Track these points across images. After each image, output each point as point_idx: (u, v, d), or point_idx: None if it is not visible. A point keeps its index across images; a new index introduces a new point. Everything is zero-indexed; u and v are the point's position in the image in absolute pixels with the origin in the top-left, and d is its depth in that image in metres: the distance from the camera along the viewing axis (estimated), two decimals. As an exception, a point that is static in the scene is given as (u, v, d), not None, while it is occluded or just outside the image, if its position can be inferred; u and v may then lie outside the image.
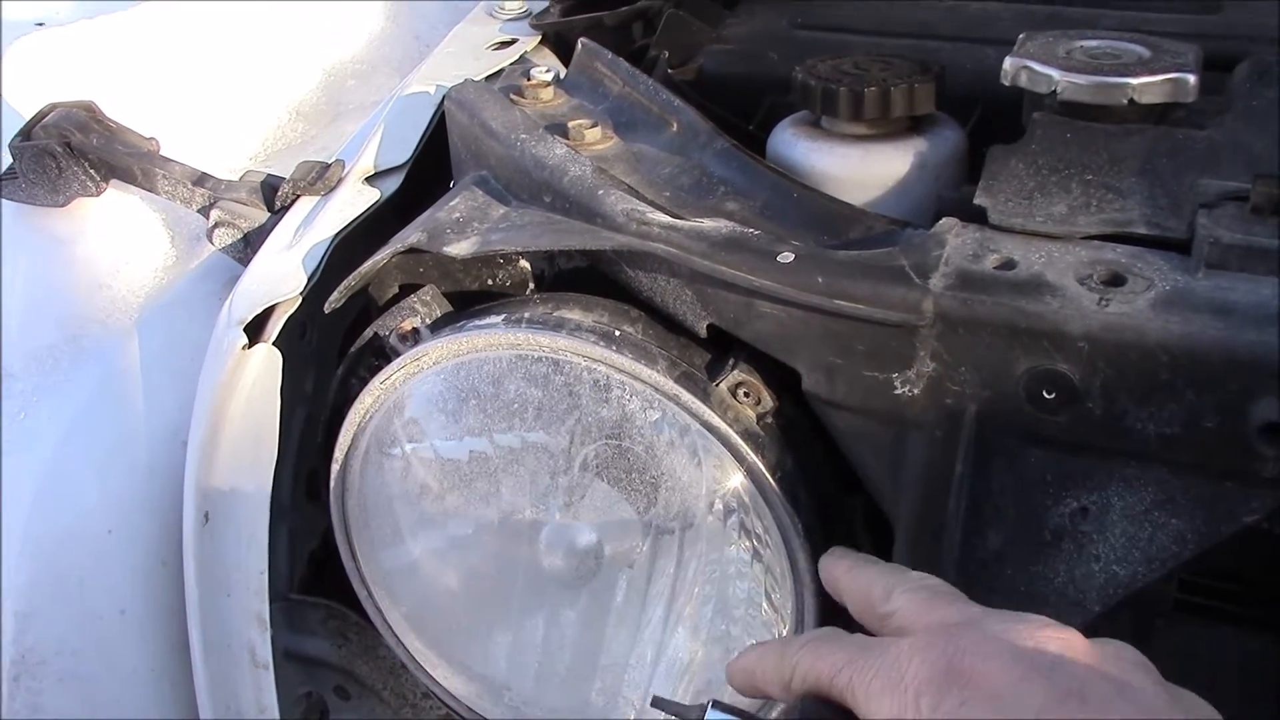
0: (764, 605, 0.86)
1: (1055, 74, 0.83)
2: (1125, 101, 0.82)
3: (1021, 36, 0.88)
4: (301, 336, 0.96)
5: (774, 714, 0.86)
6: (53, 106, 1.05)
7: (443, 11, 1.52)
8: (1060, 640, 0.59)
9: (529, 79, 1.01)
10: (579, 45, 1.04)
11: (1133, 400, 0.70)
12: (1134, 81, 0.82)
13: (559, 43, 1.19)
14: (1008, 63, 0.85)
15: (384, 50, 1.42)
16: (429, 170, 1.06)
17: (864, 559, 0.75)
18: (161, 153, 1.07)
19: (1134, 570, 0.73)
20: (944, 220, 0.78)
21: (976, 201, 0.79)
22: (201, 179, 1.04)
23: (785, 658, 0.65)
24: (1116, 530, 0.73)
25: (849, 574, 0.73)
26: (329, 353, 1.01)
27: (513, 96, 1.00)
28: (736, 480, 0.82)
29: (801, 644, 0.65)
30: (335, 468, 0.90)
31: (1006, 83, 0.85)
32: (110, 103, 1.10)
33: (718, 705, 0.67)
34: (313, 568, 1.04)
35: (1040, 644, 0.59)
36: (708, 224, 0.80)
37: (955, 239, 0.77)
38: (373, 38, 1.43)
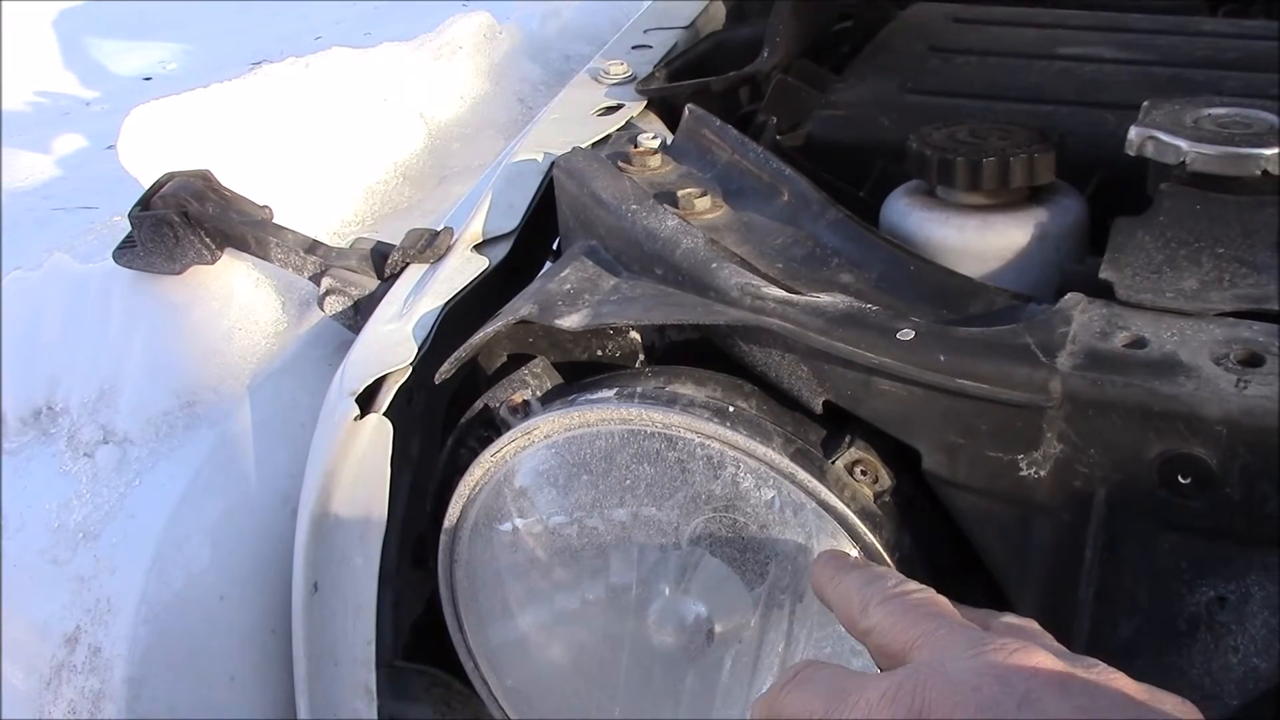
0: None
1: (1184, 144, 0.80)
2: (1258, 173, 0.79)
3: (1146, 104, 0.86)
4: (408, 402, 0.97)
5: None
6: (170, 176, 1.07)
7: (545, 74, 1.53)
8: (1029, 674, 0.58)
9: (636, 146, 1.01)
10: (686, 111, 1.04)
11: (1274, 486, 0.67)
12: (1267, 152, 0.79)
13: (664, 107, 1.19)
14: (1133, 132, 0.83)
15: (487, 113, 1.43)
16: (533, 235, 1.07)
17: (847, 564, 0.73)
18: (274, 220, 1.08)
19: (1275, 663, 0.70)
20: (1069, 295, 0.76)
21: (1102, 275, 0.77)
22: (313, 246, 1.05)
23: (775, 701, 0.66)
24: (1257, 621, 0.70)
25: (831, 583, 0.71)
26: (434, 417, 1.01)
27: (620, 164, 0.99)
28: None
29: (784, 687, 0.65)
30: (444, 539, 0.90)
31: (1132, 153, 0.83)
32: (222, 168, 1.13)
33: None
34: (415, 634, 1.04)
35: (1008, 682, 0.57)
36: (824, 299, 0.79)
37: (1082, 315, 0.74)
38: (476, 101, 1.44)
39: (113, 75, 5.34)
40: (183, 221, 1.03)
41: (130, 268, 1.06)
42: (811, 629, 0.85)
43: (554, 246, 1.14)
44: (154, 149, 1.23)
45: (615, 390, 0.83)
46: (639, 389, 0.82)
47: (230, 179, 1.12)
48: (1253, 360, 0.70)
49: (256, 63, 5.29)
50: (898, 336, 0.74)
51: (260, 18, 5.68)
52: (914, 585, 0.68)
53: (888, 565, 0.79)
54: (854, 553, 0.80)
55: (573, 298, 0.86)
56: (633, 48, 1.33)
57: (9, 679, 0.98)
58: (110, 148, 4.46)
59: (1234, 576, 0.70)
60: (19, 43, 5.45)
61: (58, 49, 5.59)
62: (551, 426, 0.83)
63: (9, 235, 3.67)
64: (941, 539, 0.80)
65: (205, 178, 1.07)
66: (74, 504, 0.97)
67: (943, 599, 0.67)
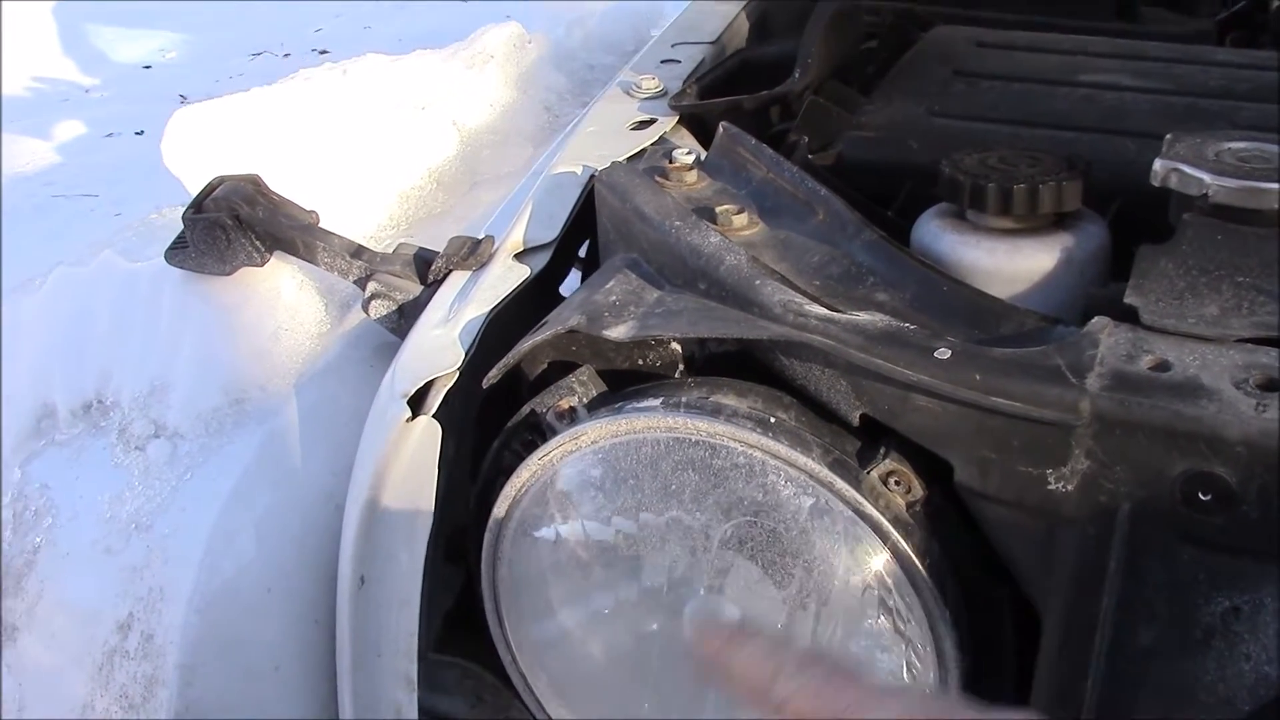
0: (905, 679, 0.87)
1: (1206, 178, 0.85)
2: (1277, 206, 0.83)
3: (1169, 137, 0.90)
4: (447, 404, 1.00)
5: None
6: (221, 179, 1.11)
7: (570, 84, 1.57)
8: None
9: (672, 161, 1.05)
10: (721, 129, 1.07)
11: (1290, 505, 0.71)
12: (1285, 187, 0.83)
13: (694, 122, 1.23)
14: (1158, 165, 0.87)
15: (516, 121, 1.47)
16: (567, 245, 1.10)
17: (740, 632, 0.65)
18: (320, 225, 1.12)
19: (1286, 671, 0.74)
20: (1096, 319, 0.80)
21: (1127, 300, 0.81)
22: (359, 251, 1.08)
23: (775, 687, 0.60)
24: (1269, 630, 0.74)
25: (728, 649, 0.63)
26: (468, 419, 1.04)
27: (657, 178, 1.03)
28: (881, 562, 0.84)
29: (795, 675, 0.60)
30: (488, 537, 0.94)
31: (1156, 184, 0.87)
32: (262, 171, 1.16)
33: None
34: (446, 627, 1.07)
35: None
36: (863, 317, 0.82)
37: (1109, 338, 0.78)
38: (505, 108, 1.48)
39: (112, 63, 5.34)
40: (234, 224, 1.06)
41: (182, 268, 1.09)
42: (835, 628, 0.88)
43: (580, 254, 1.18)
44: (197, 149, 1.26)
45: (661, 399, 0.87)
46: (684, 399, 0.86)
47: (272, 182, 1.15)
48: (1271, 385, 0.73)
49: (257, 54, 5.28)
50: (935, 355, 0.78)
51: (260, 8, 5.69)
52: (817, 653, 0.64)
53: (919, 571, 0.83)
54: (884, 557, 0.84)
55: (618, 309, 0.89)
56: (661, 62, 1.36)
57: (57, 665, 1.01)
58: (109, 135, 4.47)
59: (1249, 589, 0.74)
60: (19, 29, 5.45)
61: (57, 36, 5.59)
62: (599, 433, 0.87)
63: (11, 223, 3.68)
64: (970, 549, 0.84)
65: (255, 182, 1.11)
66: (126, 496, 1.01)
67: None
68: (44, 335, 1.13)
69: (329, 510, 1.02)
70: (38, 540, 1.02)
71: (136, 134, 4.41)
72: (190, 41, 5.48)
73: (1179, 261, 0.83)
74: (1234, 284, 0.81)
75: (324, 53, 4.93)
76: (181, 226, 1.09)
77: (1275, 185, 0.84)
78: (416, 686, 0.98)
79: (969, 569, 0.84)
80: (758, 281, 0.86)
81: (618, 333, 0.87)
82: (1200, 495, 0.73)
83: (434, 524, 0.97)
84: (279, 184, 1.16)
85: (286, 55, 5.13)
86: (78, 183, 4.15)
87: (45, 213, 3.92)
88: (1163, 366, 0.76)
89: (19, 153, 4.39)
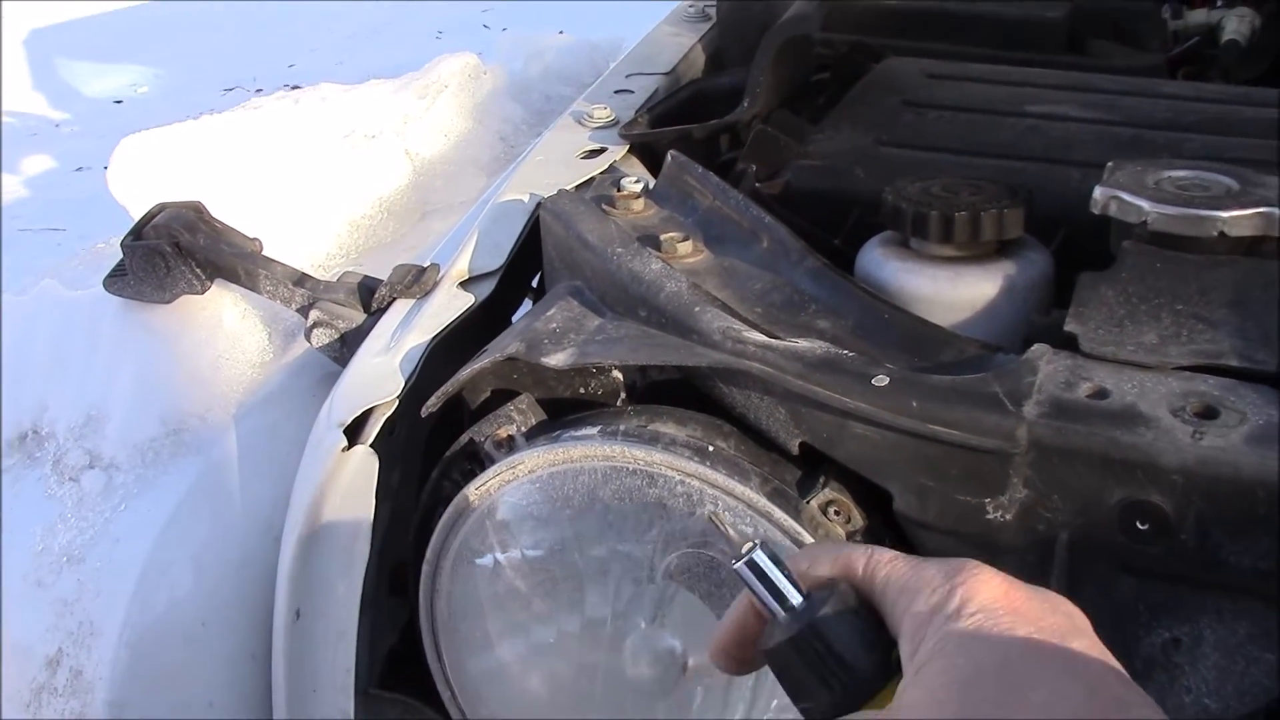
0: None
1: (1145, 205, 0.85)
2: (1215, 234, 0.83)
3: (1110, 165, 0.90)
4: (390, 433, 0.99)
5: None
6: (162, 206, 1.09)
7: (527, 114, 1.57)
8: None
9: (619, 189, 1.04)
10: (669, 157, 1.07)
11: (1227, 534, 0.71)
12: (1224, 215, 0.83)
13: (646, 152, 1.22)
14: (1098, 192, 0.87)
15: (470, 151, 1.46)
16: (514, 272, 1.09)
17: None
18: (263, 252, 1.10)
19: (1225, 704, 0.73)
20: (1036, 346, 0.80)
21: (1067, 328, 0.81)
22: (301, 279, 1.07)
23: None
24: (1209, 663, 0.74)
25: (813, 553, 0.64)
26: (414, 449, 1.03)
27: (604, 206, 1.02)
28: (823, 595, 0.83)
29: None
30: (425, 569, 0.92)
31: (1096, 211, 0.87)
32: (210, 199, 1.15)
33: (764, 548, 0.62)
34: (391, 662, 1.05)
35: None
36: (802, 344, 0.82)
37: (1047, 366, 0.78)
38: (459, 138, 1.47)
39: (83, 97, 5.33)
40: (174, 252, 1.05)
41: (120, 295, 1.07)
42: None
43: (534, 285, 1.17)
44: (142, 178, 1.25)
45: (599, 428, 0.85)
46: (622, 427, 0.85)
47: (219, 210, 1.14)
48: (1208, 413, 0.73)
49: (229, 89, 5.28)
50: (873, 382, 0.78)
51: (233, 43, 5.69)
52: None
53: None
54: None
55: (559, 336, 0.89)
56: (615, 92, 1.36)
57: (-13, 701, 0.99)
58: (79, 170, 4.45)
59: (1188, 619, 0.74)
60: (-10, 63, 5.44)
61: (28, 69, 5.57)
62: (536, 461, 0.86)
63: (-33, 257, 3.66)
64: (910, 578, 0.83)
65: (197, 209, 1.09)
66: (59, 528, 0.99)
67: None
68: (-17, 364, 1.11)
69: (268, 542, 1.00)
70: (-31, 573, 1.00)
71: (106, 169, 4.39)
72: (162, 76, 5.47)
73: (1119, 289, 0.83)
74: (1173, 312, 0.81)
75: (295, 87, 4.93)
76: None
77: (1214, 213, 0.84)
78: (354, 722, 0.96)
79: (910, 600, 0.83)
80: (697, 308, 0.86)
81: (557, 360, 0.86)
82: (1138, 524, 0.73)
83: (373, 555, 0.95)
84: (226, 212, 1.15)
85: (259, 90, 5.13)
86: (45, 217, 4.12)
87: (10, 247, 3.89)
88: (1101, 394, 0.75)
89: (-14, 186, 4.37)
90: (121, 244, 1.07)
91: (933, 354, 0.83)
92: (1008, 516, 0.75)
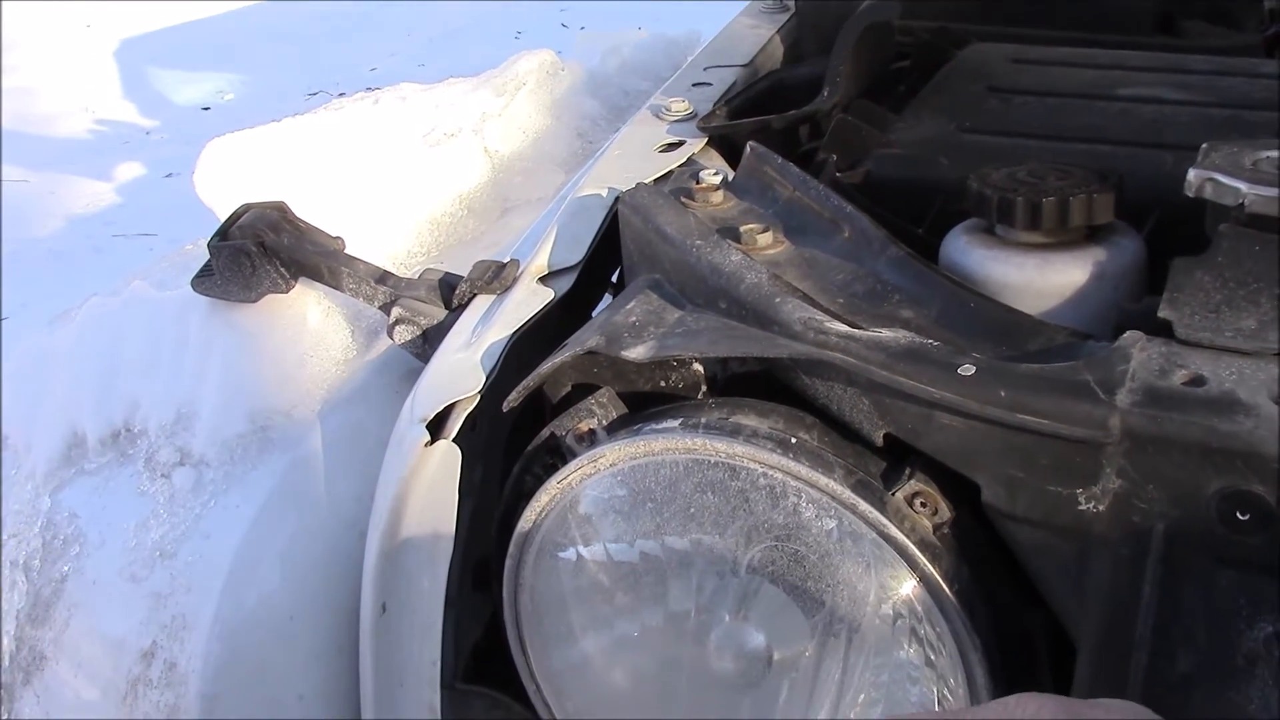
0: (937, 709, 0.84)
1: (1243, 186, 0.82)
2: (1317, 215, 0.80)
3: (1204, 147, 0.87)
4: (472, 428, 0.99)
5: None
6: (247, 207, 1.11)
7: (604, 110, 1.56)
8: None
9: (698, 182, 1.04)
10: (748, 149, 1.06)
11: (1332, 524, 0.68)
12: (1326, 195, 0.80)
13: (724, 144, 1.21)
14: (1192, 174, 0.84)
15: (548, 147, 1.47)
16: (593, 268, 1.09)
17: None
18: (346, 251, 1.11)
19: (1332, 700, 0.71)
20: (1128, 334, 0.78)
21: (1161, 314, 0.78)
22: (383, 277, 1.08)
23: None
24: (1316, 657, 0.71)
25: None
26: (496, 444, 1.03)
27: (683, 199, 1.02)
28: (909, 588, 0.81)
29: None
30: (509, 563, 0.92)
31: (1191, 194, 0.84)
32: (294, 199, 1.16)
33: None
34: (475, 657, 1.06)
35: None
36: (886, 334, 0.80)
37: (1140, 353, 0.76)
38: (537, 135, 1.48)
39: (172, 104, 5.45)
40: (259, 251, 1.07)
41: (207, 295, 1.09)
42: (869, 657, 0.86)
43: (614, 279, 1.17)
44: (228, 179, 1.27)
45: (680, 420, 0.85)
46: (703, 419, 0.84)
47: (302, 210, 1.16)
48: (1311, 400, 0.70)
49: (313, 93, 5.37)
50: (959, 372, 0.76)
51: (316, 49, 5.78)
52: None
53: (948, 597, 0.80)
54: (912, 583, 0.81)
55: (638, 330, 0.88)
56: (693, 85, 1.36)
57: (84, 694, 1.01)
58: (169, 175, 4.56)
59: (1292, 613, 0.71)
60: (81, 71, 5.58)
61: (118, 78, 5.71)
62: (617, 455, 0.85)
63: (70, 263, 3.75)
64: (1000, 572, 0.81)
65: (281, 209, 1.11)
66: (151, 523, 1.01)
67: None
68: (76, 364, 1.13)
69: (353, 537, 1.01)
70: (65, 569, 1.02)
71: (193, 173, 4.48)
72: (248, 83, 5.57)
73: (1215, 274, 0.80)
74: (1272, 296, 0.78)
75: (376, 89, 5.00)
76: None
77: (1315, 193, 0.81)
78: (440, 716, 0.97)
79: (999, 594, 0.81)
80: (778, 299, 0.85)
81: (636, 353, 0.86)
82: (1238, 514, 0.70)
83: (456, 550, 0.96)
84: (309, 212, 1.16)
85: (341, 94, 5.20)
86: (137, 223, 4.22)
87: (104, 252, 3.99)
88: (1197, 381, 0.73)
89: (80, 194, 4.48)
90: (208, 245, 1.09)
91: (1020, 343, 0.81)
92: (1101, 508, 0.73)
